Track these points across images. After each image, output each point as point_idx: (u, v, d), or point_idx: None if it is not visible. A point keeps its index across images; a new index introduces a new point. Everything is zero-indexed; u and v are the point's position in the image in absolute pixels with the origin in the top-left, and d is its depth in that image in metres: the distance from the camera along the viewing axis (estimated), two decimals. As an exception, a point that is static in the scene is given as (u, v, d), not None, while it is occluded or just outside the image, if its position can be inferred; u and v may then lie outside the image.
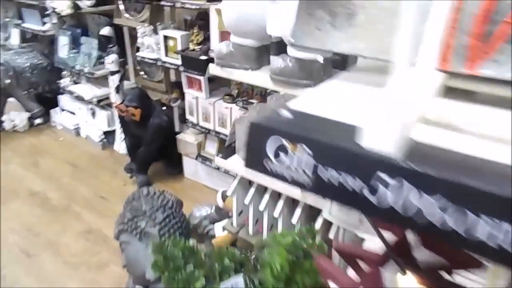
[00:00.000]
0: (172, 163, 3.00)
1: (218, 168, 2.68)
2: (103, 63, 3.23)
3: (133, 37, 3.25)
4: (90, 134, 3.47)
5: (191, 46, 2.44)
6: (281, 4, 0.97)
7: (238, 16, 1.43)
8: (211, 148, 2.77)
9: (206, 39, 2.38)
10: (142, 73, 3.31)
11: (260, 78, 1.52)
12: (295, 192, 1.46)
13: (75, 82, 3.61)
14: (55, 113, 3.78)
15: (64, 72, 3.60)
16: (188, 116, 2.70)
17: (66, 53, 3.44)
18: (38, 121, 3.78)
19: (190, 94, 2.59)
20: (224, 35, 2.18)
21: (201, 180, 2.92)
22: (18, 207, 2.64)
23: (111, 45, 3.01)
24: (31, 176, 2.99)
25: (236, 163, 1.62)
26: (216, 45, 1.96)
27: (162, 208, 1.57)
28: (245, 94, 2.36)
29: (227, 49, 1.55)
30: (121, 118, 2.78)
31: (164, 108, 2.94)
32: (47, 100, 3.80)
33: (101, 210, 2.63)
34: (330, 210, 1.26)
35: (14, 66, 3.53)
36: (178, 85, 2.96)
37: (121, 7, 3.05)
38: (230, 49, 1.54)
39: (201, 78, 2.44)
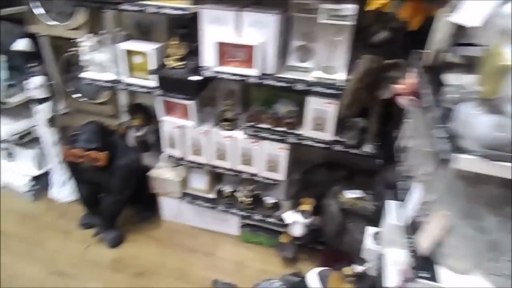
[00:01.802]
0: (145, 205, 2.39)
1: (213, 207, 2.19)
2: (13, 86, 2.37)
3: (57, 49, 2.45)
4: (10, 183, 2.58)
5: (169, 63, 1.85)
6: None
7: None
8: (197, 183, 2.24)
9: (192, 52, 1.83)
10: (76, 94, 2.54)
11: None
12: None
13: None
14: None
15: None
16: (167, 150, 2.11)
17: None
18: None
19: (169, 122, 2.01)
20: (225, 49, 1.68)
21: (187, 221, 2.38)
22: None
23: (33, 64, 2.19)
24: None
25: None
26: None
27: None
28: (251, 117, 1.89)
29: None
30: (72, 164, 2.05)
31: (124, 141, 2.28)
32: None
33: (69, 294, 1.93)
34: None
35: None
36: (137, 109, 2.32)
37: (37, 10, 2.23)
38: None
39: (188, 103, 1.89)
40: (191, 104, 1.89)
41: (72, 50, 2.36)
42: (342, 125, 1.74)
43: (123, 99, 2.49)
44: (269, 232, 2.21)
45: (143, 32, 2.10)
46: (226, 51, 1.70)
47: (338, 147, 1.77)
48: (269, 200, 2.13)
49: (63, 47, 2.43)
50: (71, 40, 2.23)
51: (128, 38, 2.00)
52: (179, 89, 1.85)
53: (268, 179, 1.98)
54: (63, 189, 2.51)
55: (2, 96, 2.34)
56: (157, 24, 2.02)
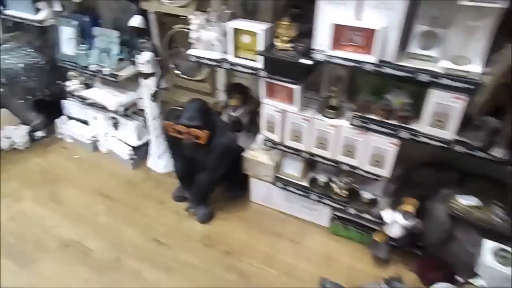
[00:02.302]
0: (236, 185, 2.41)
1: (305, 195, 2.13)
2: (123, 60, 2.50)
3: (163, 26, 2.53)
4: (114, 149, 2.79)
5: (278, 44, 1.79)
6: None
7: None
8: (291, 169, 2.19)
9: (302, 34, 1.74)
10: (176, 70, 2.61)
11: None
12: None
13: (87, 86, 2.85)
14: (61, 123, 3.02)
15: (71, 73, 2.82)
16: (265, 133, 2.09)
17: (73, 48, 2.66)
18: (40, 134, 3.02)
19: (271, 105, 1.96)
20: (341, 32, 1.56)
21: (276, 206, 2.36)
22: (52, 267, 2.01)
23: (143, 40, 2.28)
24: (54, 217, 2.32)
25: None
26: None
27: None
28: (360, 107, 1.76)
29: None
30: (171, 139, 2.12)
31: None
32: (48, 107, 3.03)
33: (164, 262, 2.04)
34: None
35: (4, 69, 2.71)
36: (236, 89, 2.32)
37: (150, -13, 2.30)
38: None
39: (294, 87, 1.82)
40: (297, 88, 1.82)
41: (176, 27, 2.42)
42: (468, 124, 1.55)
43: (221, 78, 2.51)
44: (361, 227, 2.10)
45: (249, 11, 2.06)
46: (342, 35, 1.58)
47: (459, 148, 1.58)
48: (367, 195, 2.01)
49: (168, 24, 2.51)
50: (180, 17, 2.28)
51: (233, 17, 1.97)
52: (286, 72, 1.79)
53: (370, 173, 1.86)
54: (160, 161, 2.64)
55: (114, 69, 2.50)
56: (263, 4, 1.96)
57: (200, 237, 2.19)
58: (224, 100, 2.40)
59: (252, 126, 2.43)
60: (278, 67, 1.79)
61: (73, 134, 2.96)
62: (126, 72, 2.53)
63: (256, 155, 2.24)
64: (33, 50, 2.90)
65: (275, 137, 2.05)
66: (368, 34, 1.52)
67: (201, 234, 2.21)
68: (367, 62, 1.57)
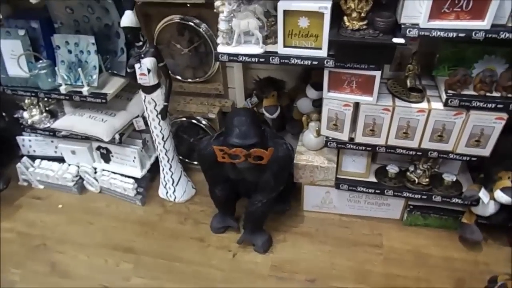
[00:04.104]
0: (282, 197, 2.04)
1: (379, 193, 1.86)
2: (101, 72, 1.91)
3: (148, 19, 1.98)
4: (111, 186, 2.19)
5: (348, 24, 1.42)
6: None
7: None
8: (353, 166, 1.89)
9: (376, 7, 1.39)
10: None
11: None
12: None
13: (51, 113, 2.17)
14: (23, 167, 2.30)
15: (28, 101, 2.11)
16: (327, 133, 1.73)
17: (24, 68, 1.96)
18: (-5, 187, 2.29)
19: (338, 100, 1.61)
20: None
21: (334, 209, 2.05)
22: None
23: (141, 42, 1.72)
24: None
25: None
26: None
27: None
28: (454, 83, 1.49)
29: None
30: (212, 164, 1.66)
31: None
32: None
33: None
34: None
35: None
36: (270, 84, 1.90)
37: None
38: None
39: (374, 73, 1.48)
40: (377, 75, 1.48)
41: (166, 20, 1.89)
42: None
43: (237, 74, 2.06)
44: (444, 212, 1.91)
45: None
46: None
47: None
48: (449, 177, 1.80)
49: (156, 16, 1.96)
50: (171, 7, 1.77)
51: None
52: (366, 57, 1.43)
53: (465, 156, 1.63)
54: (178, 189, 2.14)
55: (97, 88, 1.90)
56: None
57: (269, 271, 1.81)
58: (253, 100, 1.97)
59: (289, 124, 2.06)
60: (354, 52, 1.43)
61: (44, 178, 2.28)
62: (112, 87, 1.95)
63: (310, 158, 1.88)
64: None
65: (342, 136, 1.71)
66: (481, -7, 1.23)
67: (268, 267, 1.83)
68: (479, 30, 1.29)
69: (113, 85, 1.96)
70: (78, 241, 2.00)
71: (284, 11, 1.42)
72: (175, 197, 2.16)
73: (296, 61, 1.52)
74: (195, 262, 1.87)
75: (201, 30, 1.94)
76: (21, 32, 1.91)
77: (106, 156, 2.18)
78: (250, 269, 1.83)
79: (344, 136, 1.71)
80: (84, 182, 2.27)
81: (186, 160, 2.35)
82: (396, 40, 1.35)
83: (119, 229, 2.06)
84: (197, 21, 1.94)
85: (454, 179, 1.79)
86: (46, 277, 1.84)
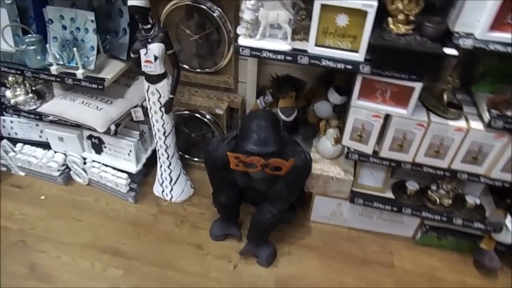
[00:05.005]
0: (289, 206, 1.88)
1: (397, 210, 1.73)
2: (99, 53, 1.69)
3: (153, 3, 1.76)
4: (101, 179, 1.99)
5: (393, 27, 1.25)
6: None
7: None
8: (370, 180, 1.74)
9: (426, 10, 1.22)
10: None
11: None
12: None
13: (38, 94, 1.94)
14: (3, 151, 2.07)
15: (11, 79, 1.87)
16: (350, 144, 1.58)
17: (10, 42, 1.72)
18: (-30, 172, 2.05)
19: (367, 110, 1.44)
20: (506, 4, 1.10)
21: (343, 222, 1.92)
22: None
23: (149, 25, 1.51)
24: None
25: None
26: None
27: None
28: (498, 102, 1.35)
29: None
30: (222, 170, 1.48)
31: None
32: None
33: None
34: None
35: None
36: (288, 83, 1.72)
37: None
38: None
39: (414, 85, 1.32)
40: (418, 86, 1.32)
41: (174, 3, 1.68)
42: None
43: (250, 67, 1.87)
44: (457, 234, 1.80)
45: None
46: (508, 7, 1.12)
47: None
48: (472, 199, 1.67)
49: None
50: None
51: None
52: (408, 66, 1.27)
53: (498, 181, 1.50)
54: (176, 188, 1.96)
55: (93, 71, 1.68)
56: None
57: (274, 286, 1.67)
58: (267, 99, 1.79)
59: (303, 127, 1.89)
60: (397, 59, 1.26)
61: (26, 165, 2.05)
62: (110, 72, 1.73)
63: (325, 168, 1.73)
64: None
65: (366, 149, 1.56)
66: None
67: (273, 281, 1.69)
68: (544, 45, 1.14)
69: (112, 70, 1.74)
70: (62, 240, 1.81)
71: (322, 5, 1.24)
72: (171, 197, 1.98)
73: (327, 63, 1.34)
74: (192, 272, 1.70)
75: (214, 15, 1.74)
76: (9, 1, 1.66)
77: (98, 147, 1.97)
78: (252, 283, 1.67)
79: (368, 149, 1.56)
80: (71, 172, 2.05)
81: (186, 156, 2.17)
82: (448, 50, 1.19)
83: (109, 228, 1.87)
84: (210, 4, 1.73)
85: (478, 202, 1.68)
86: (24, 279, 1.64)
